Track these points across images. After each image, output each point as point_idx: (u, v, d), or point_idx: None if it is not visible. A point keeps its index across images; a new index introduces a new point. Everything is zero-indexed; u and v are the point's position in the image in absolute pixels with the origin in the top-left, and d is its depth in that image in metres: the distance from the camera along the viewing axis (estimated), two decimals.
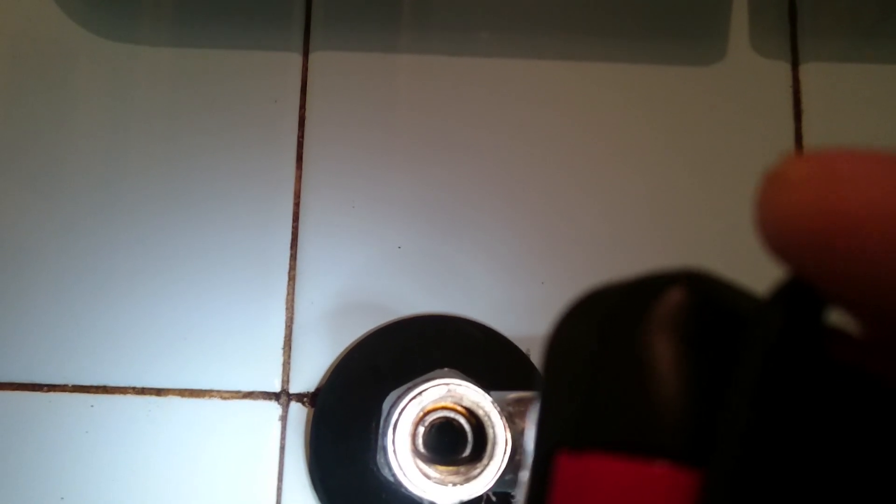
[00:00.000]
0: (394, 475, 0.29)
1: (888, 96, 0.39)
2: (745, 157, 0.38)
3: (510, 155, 0.38)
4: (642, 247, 0.37)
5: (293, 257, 0.37)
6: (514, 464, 0.28)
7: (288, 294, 0.36)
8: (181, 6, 0.39)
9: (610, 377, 0.11)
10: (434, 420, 0.30)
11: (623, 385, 0.11)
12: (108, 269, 0.36)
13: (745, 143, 0.39)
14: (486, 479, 0.28)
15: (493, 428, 0.29)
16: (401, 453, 0.29)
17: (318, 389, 0.35)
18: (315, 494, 0.34)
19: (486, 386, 0.30)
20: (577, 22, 0.40)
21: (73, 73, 0.38)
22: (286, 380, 0.36)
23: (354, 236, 0.37)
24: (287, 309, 0.36)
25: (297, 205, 0.37)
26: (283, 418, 0.35)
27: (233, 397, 0.35)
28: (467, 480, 0.28)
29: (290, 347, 0.36)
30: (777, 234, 0.10)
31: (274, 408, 0.35)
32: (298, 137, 0.38)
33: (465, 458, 0.30)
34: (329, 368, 0.36)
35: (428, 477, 0.29)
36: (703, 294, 0.11)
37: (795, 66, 0.39)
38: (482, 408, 0.29)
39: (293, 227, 0.37)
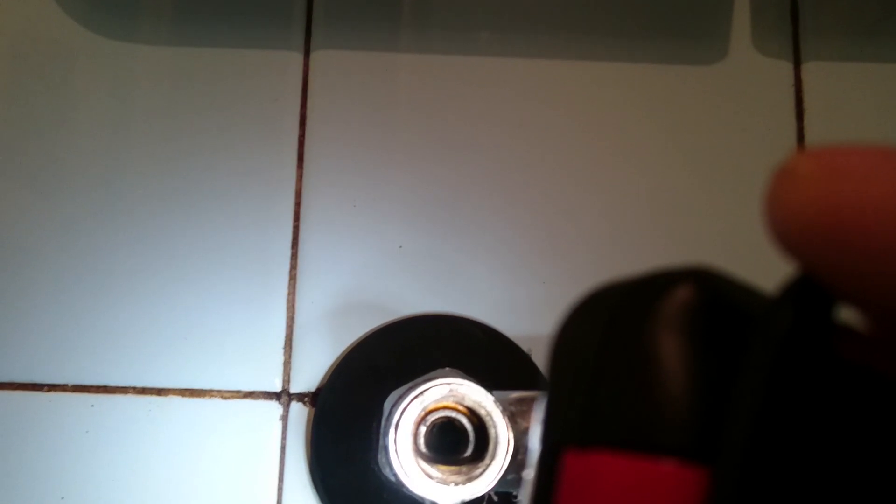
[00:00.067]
0: (395, 475, 0.29)
1: (890, 95, 0.39)
2: (747, 156, 0.38)
3: (511, 154, 0.38)
4: (644, 246, 0.37)
5: (294, 256, 0.37)
6: (516, 463, 0.28)
7: (289, 293, 0.36)
8: (181, 5, 0.39)
9: (616, 374, 0.11)
10: (436, 420, 0.30)
11: (630, 382, 0.11)
12: (108, 268, 0.36)
13: (747, 142, 0.38)
14: (488, 478, 0.28)
15: (495, 427, 0.29)
16: (402, 453, 0.29)
17: (318, 389, 0.35)
18: (316, 494, 0.34)
19: (488, 385, 0.30)
20: (578, 21, 0.40)
21: (74, 72, 0.38)
22: (287, 379, 0.35)
23: (355, 235, 0.37)
24: (288, 308, 0.36)
25: (297, 204, 0.37)
26: (284, 418, 0.35)
27: (233, 397, 0.35)
28: (469, 480, 0.28)
29: (290, 347, 0.36)
30: (786, 229, 0.10)
31: (275, 407, 0.35)
32: (299, 136, 0.38)
33: (467, 457, 0.30)
34: (330, 368, 0.36)
35: (430, 477, 0.29)
36: (710, 291, 0.11)
37: (797, 65, 0.39)
38: (484, 407, 0.29)
39: (294, 226, 0.37)
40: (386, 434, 0.29)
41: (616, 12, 0.40)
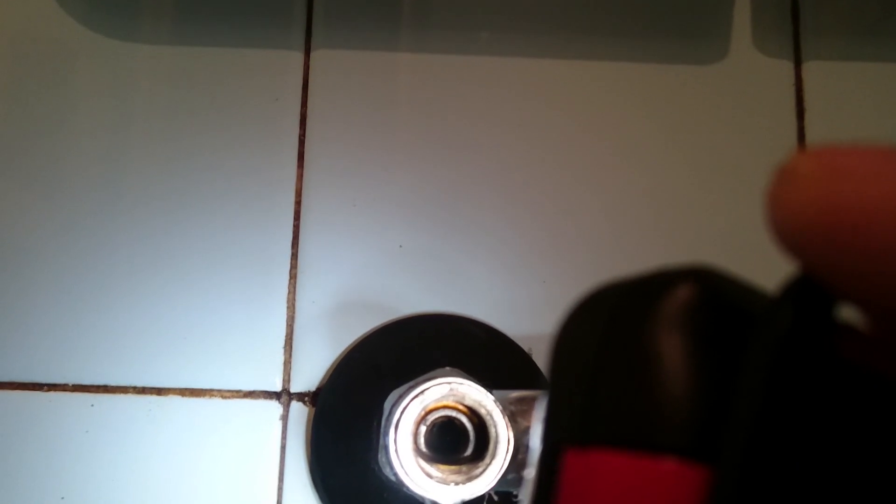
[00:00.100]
0: (395, 474, 0.29)
1: (890, 95, 0.39)
2: (747, 155, 0.38)
3: (511, 154, 0.38)
4: (644, 245, 0.37)
5: (294, 256, 0.37)
6: (516, 463, 0.28)
7: (289, 293, 0.36)
8: (182, 5, 0.39)
9: (617, 374, 0.11)
10: (436, 419, 0.30)
11: (630, 382, 0.11)
12: (108, 268, 0.36)
13: (747, 141, 0.38)
14: (489, 478, 0.28)
15: (495, 427, 0.29)
16: (402, 452, 0.29)
17: (319, 389, 0.35)
18: (316, 494, 0.34)
19: (488, 385, 0.30)
20: (578, 21, 0.40)
21: (74, 72, 0.38)
22: (287, 379, 0.35)
23: (356, 235, 0.37)
24: (288, 308, 0.36)
25: (298, 203, 0.37)
26: (284, 418, 0.35)
27: (233, 397, 0.35)
28: (469, 480, 0.28)
29: (290, 346, 0.36)
30: (787, 229, 0.10)
31: (275, 407, 0.35)
32: (300, 136, 0.38)
33: (467, 457, 0.30)
34: (330, 367, 0.36)
35: (430, 476, 0.29)
36: (711, 290, 0.11)
37: (798, 64, 0.39)
38: (484, 407, 0.29)
39: (294, 225, 0.37)
40: (386, 433, 0.29)
41: (616, 12, 0.40)
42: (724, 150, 0.38)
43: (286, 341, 0.36)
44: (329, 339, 0.36)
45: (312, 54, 0.39)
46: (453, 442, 0.30)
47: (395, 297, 0.36)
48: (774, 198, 0.10)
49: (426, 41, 0.39)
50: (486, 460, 0.28)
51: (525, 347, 0.36)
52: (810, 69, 0.39)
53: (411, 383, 0.30)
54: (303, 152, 0.38)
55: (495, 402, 0.29)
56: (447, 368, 0.32)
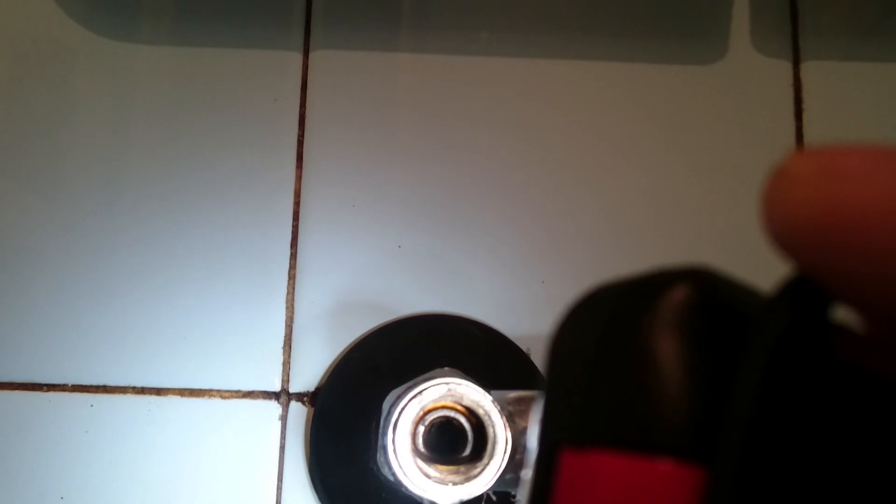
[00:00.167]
0: (394, 474, 0.29)
1: (889, 95, 0.39)
2: (746, 155, 0.38)
3: (510, 154, 0.38)
4: (643, 245, 0.37)
5: (293, 256, 0.37)
6: (514, 463, 0.28)
7: (288, 293, 0.36)
8: (181, 5, 0.39)
9: (614, 374, 0.11)
10: (434, 419, 0.30)
11: (627, 382, 0.11)
12: (107, 268, 0.36)
13: (746, 141, 0.38)
14: (487, 478, 0.28)
15: (493, 427, 0.29)
16: (401, 452, 0.29)
17: (318, 389, 0.35)
18: (315, 494, 0.34)
19: (487, 385, 0.30)
20: (578, 21, 0.40)
21: (74, 72, 0.38)
22: (286, 379, 0.36)
23: (355, 235, 0.37)
24: (287, 308, 0.36)
25: (297, 204, 0.37)
26: (283, 418, 0.35)
27: (233, 397, 0.35)
28: (467, 480, 0.28)
29: (290, 347, 0.36)
30: (782, 230, 0.10)
31: (274, 407, 0.35)
32: (298, 136, 0.38)
33: (466, 457, 0.30)
34: (329, 368, 0.36)
35: (428, 476, 0.29)
36: (707, 291, 0.11)
37: (796, 64, 0.39)
38: (482, 407, 0.29)
39: (293, 226, 0.37)
40: (384, 433, 0.29)
41: (616, 12, 0.40)
42: (723, 149, 0.38)
43: (285, 341, 0.36)
44: (328, 339, 0.36)
45: (311, 55, 0.39)
46: (451, 442, 0.30)
47: (394, 298, 0.36)
48: (770, 198, 0.10)
49: (426, 41, 0.39)
50: (484, 460, 0.28)
51: (524, 347, 0.36)
52: (809, 69, 0.39)
53: (410, 383, 0.30)
54: (302, 153, 0.38)
55: (493, 402, 0.29)
56: (446, 369, 0.32)
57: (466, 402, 0.29)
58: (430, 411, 0.30)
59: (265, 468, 0.35)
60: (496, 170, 0.38)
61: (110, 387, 0.35)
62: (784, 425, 0.10)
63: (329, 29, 0.39)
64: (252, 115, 0.38)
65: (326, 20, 0.39)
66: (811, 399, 0.10)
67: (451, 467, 0.29)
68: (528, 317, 0.36)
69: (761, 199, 0.11)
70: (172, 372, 0.35)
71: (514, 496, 0.32)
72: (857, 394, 0.11)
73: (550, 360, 0.12)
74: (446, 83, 0.39)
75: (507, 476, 0.28)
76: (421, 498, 0.29)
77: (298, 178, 0.37)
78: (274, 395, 0.35)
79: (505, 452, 0.28)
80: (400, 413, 0.29)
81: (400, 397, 0.30)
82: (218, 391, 0.35)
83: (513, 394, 0.29)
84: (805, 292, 0.11)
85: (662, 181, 0.38)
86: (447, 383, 0.29)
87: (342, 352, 0.36)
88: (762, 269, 0.14)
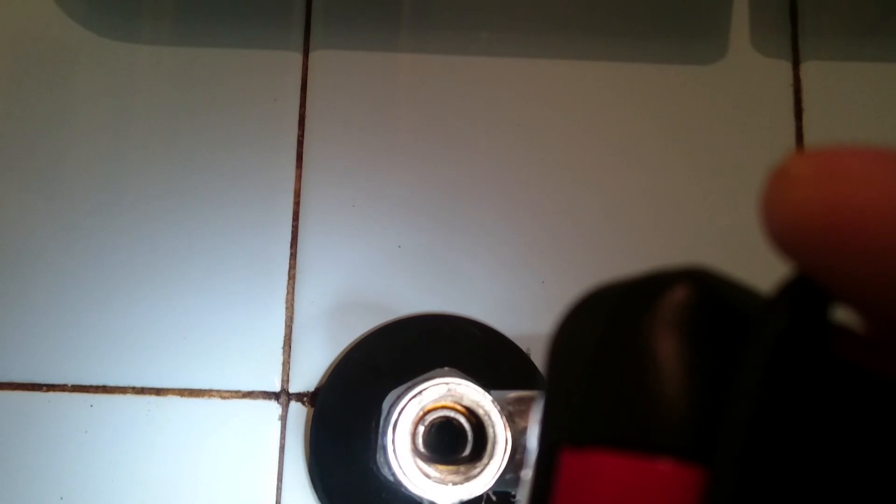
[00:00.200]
0: (394, 474, 0.29)
1: (889, 95, 0.39)
2: (746, 155, 0.38)
3: (510, 153, 0.38)
4: (643, 245, 0.37)
5: (293, 256, 0.37)
6: (514, 463, 0.28)
7: (288, 293, 0.36)
8: (181, 5, 0.39)
9: (613, 374, 0.11)
10: (434, 419, 0.30)
11: (627, 382, 0.11)
12: (107, 269, 0.36)
13: (746, 141, 0.38)
14: (487, 478, 0.28)
15: (493, 427, 0.29)
16: (401, 453, 0.29)
17: (317, 389, 0.35)
18: (315, 494, 0.34)
19: (486, 385, 0.30)
20: (577, 21, 0.40)
21: (74, 72, 0.38)
22: (286, 379, 0.36)
23: (354, 235, 0.37)
24: (287, 308, 0.36)
25: (297, 204, 0.37)
26: (283, 418, 0.35)
27: (232, 397, 0.35)
28: (467, 480, 0.28)
29: (289, 347, 0.36)
30: (782, 230, 0.10)
31: (274, 407, 0.35)
32: (298, 136, 0.38)
33: (465, 457, 0.30)
34: (329, 368, 0.36)
35: (428, 476, 0.29)
36: (707, 291, 0.11)
37: (796, 64, 0.39)
38: (482, 407, 0.29)
39: (293, 226, 0.37)
40: (384, 433, 0.29)
41: (616, 12, 0.40)
42: (723, 149, 0.38)
43: (285, 341, 0.36)
44: (328, 339, 0.36)
45: (311, 55, 0.39)
46: (451, 442, 0.30)
47: (394, 298, 0.36)
48: (770, 199, 0.10)
49: (426, 41, 0.39)
50: (484, 460, 0.28)
51: (524, 347, 0.36)
52: (808, 69, 0.39)
53: (409, 383, 0.31)
54: (301, 152, 0.38)
55: (493, 402, 0.29)
56: (445, 369, 0.32)
57: (466, 402, 0.29)
58: (429, 411, 0.30)
59: (265, 468, 0.35)
60: (496, 170, 0.38)
61: (110, 387, 0.35)
62: (784, 425, 0.10)
63: (329, 29, 0.39)
64: (252, 115, 0.38)
65: (326, 20, 0.39)
66: (811, 399, 0.10)
67: (450, 467, 0.29)
68: (528, 317, 0.36)
69: (761, 200, 0.11)
70: (172, 372, 0.35)
71: (514, 496, 0.32)
72: (857, 394, 0.11)
73: (550, 360, 0.12)
74: (446, 83, 0.39)
75: (507, 476, 0.28)
76: (421, 498, 0.29)
77: (298, 178, 0.37)
78: (274, 396, 0.35)
79: (505, 452, 0.28)
80: (400, 413, 0.29)
81: (400, 397, 0.30)
82: (218, 391, 0.35)
83: (513, 394, 0.29)
84: (805, 293, 0.11)
85: (662, 181, 0.38)
86: (447, 383, 0.29)
87: (342, 352, 0.36)
88: (762, 269, 0.14)
